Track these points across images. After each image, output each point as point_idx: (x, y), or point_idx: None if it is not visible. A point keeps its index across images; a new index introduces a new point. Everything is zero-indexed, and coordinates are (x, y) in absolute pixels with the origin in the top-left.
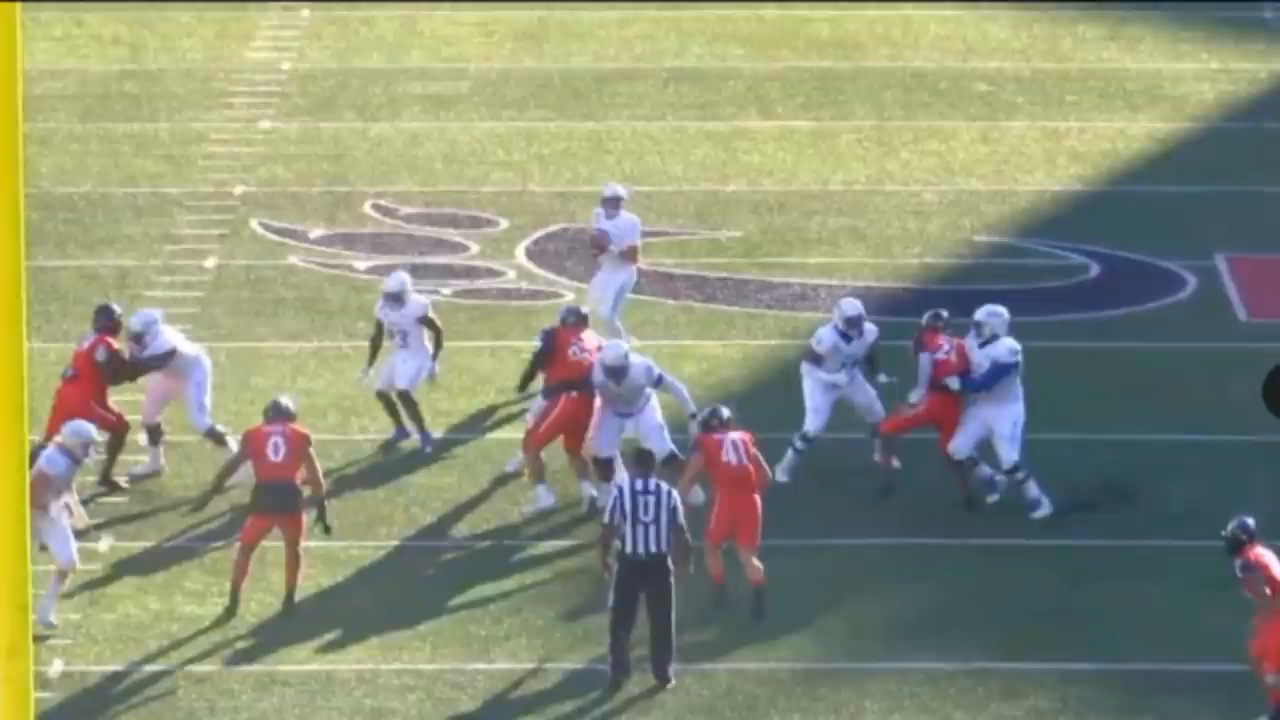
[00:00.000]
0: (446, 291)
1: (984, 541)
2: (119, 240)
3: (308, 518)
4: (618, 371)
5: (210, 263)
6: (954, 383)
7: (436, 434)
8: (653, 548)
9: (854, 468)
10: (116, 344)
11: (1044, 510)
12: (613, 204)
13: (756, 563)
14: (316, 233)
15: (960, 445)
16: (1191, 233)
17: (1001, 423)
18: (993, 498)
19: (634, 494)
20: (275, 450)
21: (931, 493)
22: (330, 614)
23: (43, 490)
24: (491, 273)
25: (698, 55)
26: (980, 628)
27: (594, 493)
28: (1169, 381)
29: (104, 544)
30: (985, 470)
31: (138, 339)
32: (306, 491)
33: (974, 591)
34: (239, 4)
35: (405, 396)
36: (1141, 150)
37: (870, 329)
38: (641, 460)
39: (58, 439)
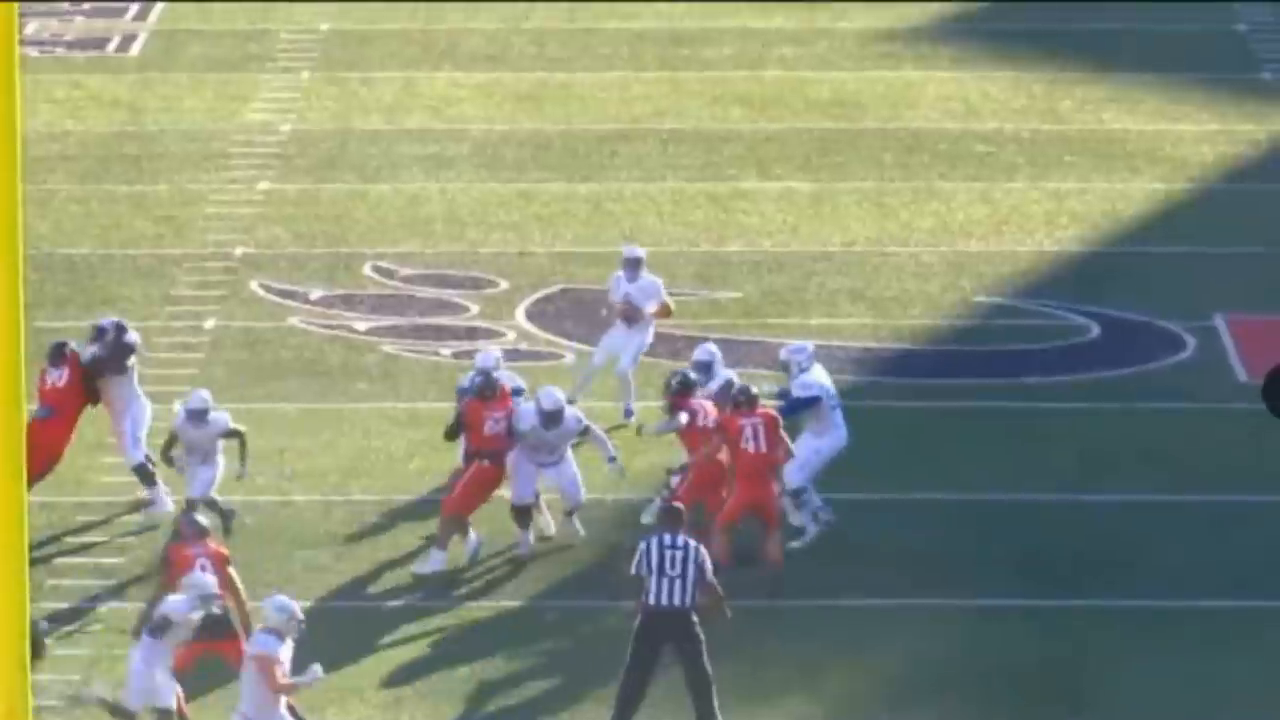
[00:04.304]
0: (445, 352)
1: (985, 602)
2: (118, 301)
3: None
4: (554, 416)
5: (209, 324)
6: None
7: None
8: (677, 601)
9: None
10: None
11: (807, 538)
12: (633, 265)
13: (777, 542)
14: (316, 294)
15: (794, 475)
16: (1191, 294)
17: (811, 450)
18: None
19: (661, 548)
20: (204, 573)
21: (932, 553)
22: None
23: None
24: (491, 333)
25: (697, 116)
26: (981, 689)
27: (533, 538)
28: (1169, 442)
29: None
30: (815, 500)
31: (100, 336)
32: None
33: (974, 653)
34: (238, 66)
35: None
36: (1141, 211)
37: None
38: (669, 516)
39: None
